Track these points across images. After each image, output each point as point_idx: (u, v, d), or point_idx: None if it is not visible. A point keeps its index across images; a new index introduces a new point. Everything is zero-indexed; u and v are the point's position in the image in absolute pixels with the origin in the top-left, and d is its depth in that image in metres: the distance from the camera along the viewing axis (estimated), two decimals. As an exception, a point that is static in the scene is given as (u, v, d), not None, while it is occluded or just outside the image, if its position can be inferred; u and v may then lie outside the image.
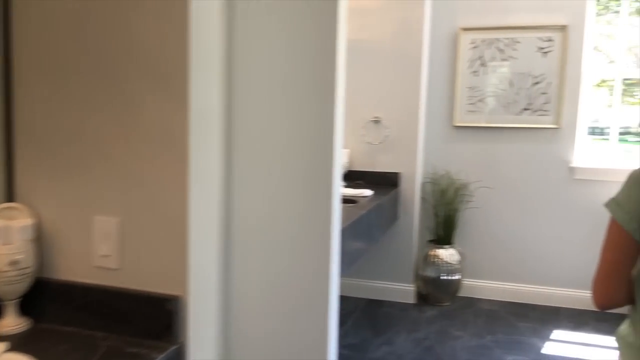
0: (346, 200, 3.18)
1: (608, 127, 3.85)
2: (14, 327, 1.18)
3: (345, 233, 2.18)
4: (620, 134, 3.83)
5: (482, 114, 3.86)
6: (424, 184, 3.96)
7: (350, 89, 3.47)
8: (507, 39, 3.74)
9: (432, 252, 3.81)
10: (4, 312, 1.19)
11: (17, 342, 1.12)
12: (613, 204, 1.26)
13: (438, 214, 3.87)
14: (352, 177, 3.81)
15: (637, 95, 3.89)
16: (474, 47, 3.81)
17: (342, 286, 1.57)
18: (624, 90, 3.81)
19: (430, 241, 3.92)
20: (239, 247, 1.37)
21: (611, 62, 3.83)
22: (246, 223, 1.36)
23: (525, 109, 3.77)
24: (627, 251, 1.23)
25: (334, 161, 1.30)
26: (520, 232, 3.88)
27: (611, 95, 3.83)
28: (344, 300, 3.44)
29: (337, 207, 1.35)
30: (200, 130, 1.21)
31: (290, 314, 1.35)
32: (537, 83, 3.72)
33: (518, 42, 3.72)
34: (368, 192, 3.37)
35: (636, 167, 1.27)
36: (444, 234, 3.85)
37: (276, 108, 1.31)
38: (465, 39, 3.83)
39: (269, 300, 1.37)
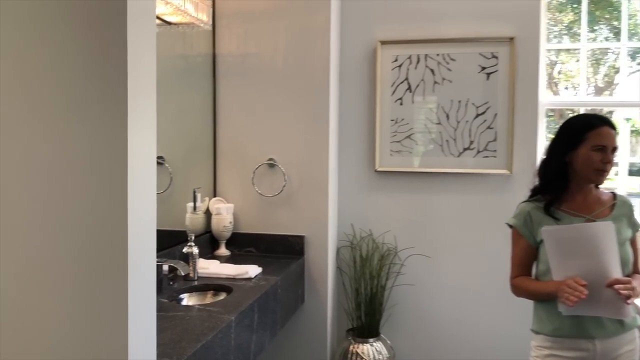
0: (216, 288, 2.10)
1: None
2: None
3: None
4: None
5: (412, 155, 2.90)
6: (339, 250, 2.91)
7: (233, 120, 2.76)
8: (440, 55, 2.84)
9: (353, 348, 2.72)
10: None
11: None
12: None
13: (360, 291, 2.81)
14: (239, 243, 2.75)
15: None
16: (398, 67, 2.88)
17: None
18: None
19: (350, 331, 2.84)
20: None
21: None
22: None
23: (467, 149, 2.85)
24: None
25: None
26: (468, 315, 2.85)
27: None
28: None
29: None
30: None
31: None
32: (480, 114, 2.83)
33: (453, 59, 2.83)
34: (254, 271, 2.27)
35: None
36: (368, 321, 2.78)
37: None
38: (386, 56, 2.89)
39: None
